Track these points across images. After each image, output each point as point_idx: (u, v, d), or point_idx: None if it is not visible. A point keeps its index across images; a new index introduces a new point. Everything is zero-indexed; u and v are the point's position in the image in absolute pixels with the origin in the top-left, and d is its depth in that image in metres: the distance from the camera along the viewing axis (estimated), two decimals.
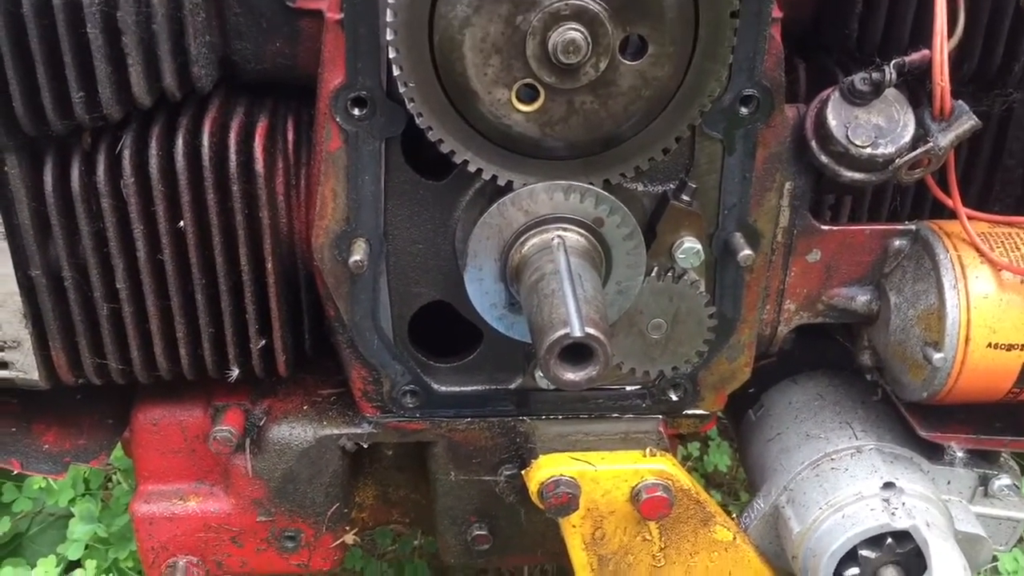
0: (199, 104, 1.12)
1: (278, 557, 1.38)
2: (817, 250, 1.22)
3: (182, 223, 1.12)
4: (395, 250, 1.17)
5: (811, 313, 1.27)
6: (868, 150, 1.10)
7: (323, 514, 1.35)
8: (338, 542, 1.39)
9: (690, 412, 1.32)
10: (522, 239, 1.10)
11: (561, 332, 0.96)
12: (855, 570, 1.20)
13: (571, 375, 0.98)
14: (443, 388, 1.27)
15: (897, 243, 1.21)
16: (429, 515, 1.44)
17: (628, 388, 1.29)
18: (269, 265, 1.17)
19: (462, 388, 1.28)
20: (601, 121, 1.03)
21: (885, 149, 1.10)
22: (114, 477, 1.88)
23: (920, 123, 1.12)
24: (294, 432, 1.31)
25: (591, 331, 0.95)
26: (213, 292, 1.18)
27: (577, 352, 0.97)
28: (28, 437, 1.32)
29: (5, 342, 1.17)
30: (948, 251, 1.15)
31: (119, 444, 1.46)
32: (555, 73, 0.97)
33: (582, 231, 1.10)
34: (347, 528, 1.40)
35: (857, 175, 1.12)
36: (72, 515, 1.66)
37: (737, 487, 2.21)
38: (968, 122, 1.10)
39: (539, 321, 1.00)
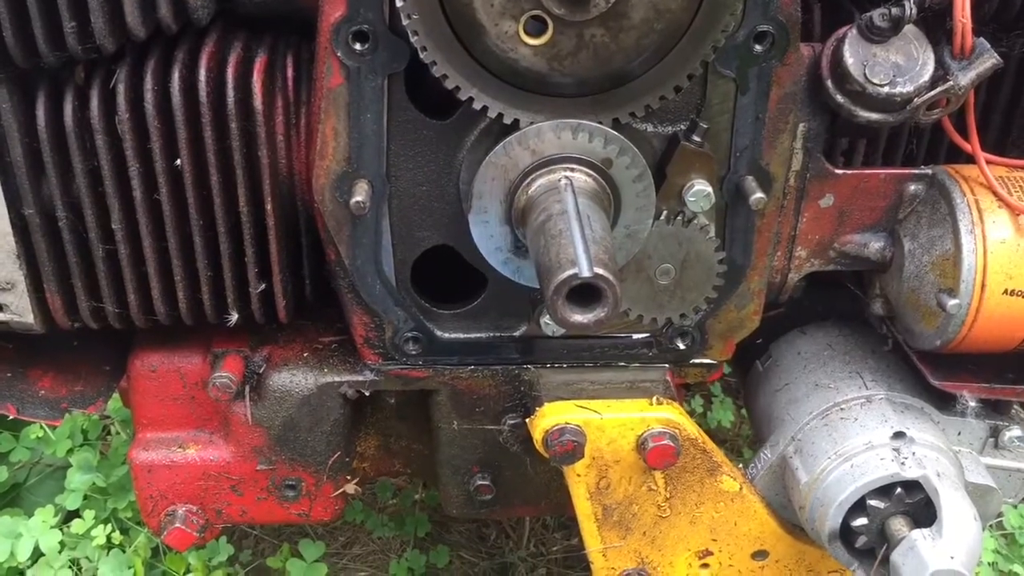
0: (196, 38, 1.09)
1: (278, 506, 1.37)
2: (830, 195, 1.19)
3: (179, 161, 1.09)
4: (398, 192, 1.14)
5: (822, 260, 1.24)
6: (886, 89, 1.07)
7: (324, 463, 1.34)
8: (339, 492, 1.38)
9: (697, 361, 1.29)
10: (528, 180, 1.07)
11: (569, 272, 0.93)
12: (863, 520, 1.18)
13: (579, 317, 0.96)
14: (446, 335, 1.25)
15: (912, 188, 1.18)
16: (431, 465, 1.42)
17: (635, 336, 1.27)
18: (268, 206, 1.14)
19: (466, 335, 1.26)
20: (611, 56, 1.00)
21: (903, 88, 1.07)
22: (112, 428, 1.86)
23: (939, 62, 1.08)
24: (295, 379, 1.28)
25: (600, 271, 0.93)
26: (211, 234, 1.15)
27: (585, 293, 0.95)
28: (24, 383, 1.30)
29: None
30: (965, 195, 1.12)
31: (117, 394, 1.44)
32: (564, 4, 0.94)
33: (590, 172, 1.07)
34: (348, 478, 1.38)
35: (874, 115, 1.09)
36: (70, 466, 1.65)
37: (740, 444, 2.19)
38: (989, 60, 1.07)
39: (546, 262, 0.97)
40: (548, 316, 1.20)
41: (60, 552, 1.58)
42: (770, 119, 1.11)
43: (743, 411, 2.17)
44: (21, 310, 1.17)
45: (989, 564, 1.73)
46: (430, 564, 1.84)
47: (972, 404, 1.21)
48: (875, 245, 1.21)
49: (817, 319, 1.39)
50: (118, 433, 1.76)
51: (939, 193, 1.15)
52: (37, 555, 1.58)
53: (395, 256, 1.19)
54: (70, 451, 1.67)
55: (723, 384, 2.26)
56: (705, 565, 1.33)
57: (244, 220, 1.14)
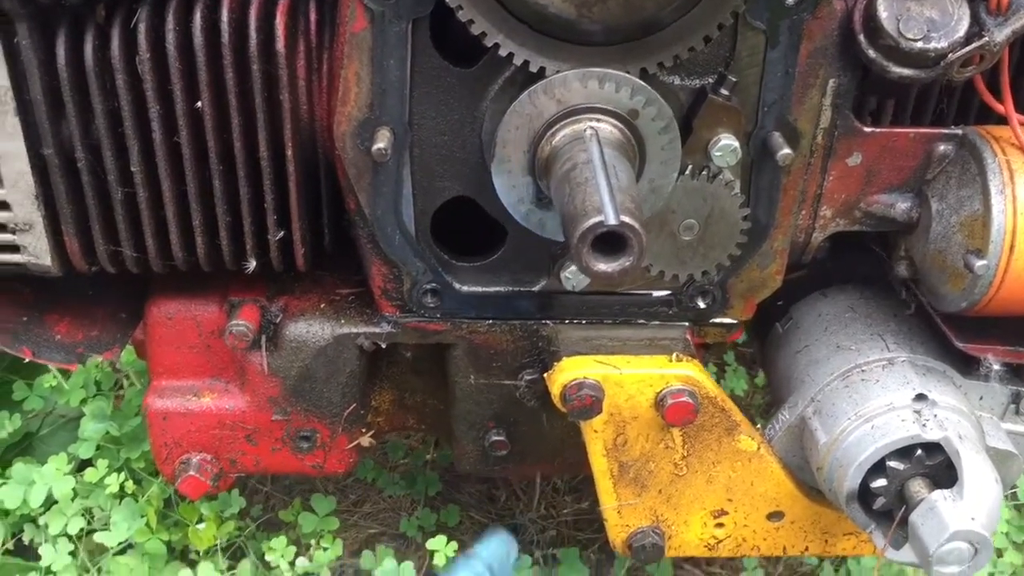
0: None
1: (293, 457, 1.37)
2: (858, 153, 1.17)
3: (199, 103, 1.08)
4: (420, 140, 1.13)
5: (848, 220, 1.22)
6: (919, 44, 1.04)
7: (339, 415, 1.33)
8: (353, 444, 1.37)
9: (717, 320, 1.28)
10: (553, 129, 1.05)
11: (595, 220, 0.92)
12: (882, 481, 1.17)
13: (604, 266, 0.95)
14: (465, 288, 1.24)
15: (942, 148, 1.16)
16: (446, 421, 1.42)
17: (655, 294, 1.26)
18: (289, 152, 1.13)
19: (484, 289, 1.25)
20: (641, 3, 0.98)
21: (937, 43, 1.05)
22: (125, 382, 1.86)
23: (975, 17, 1.06)
24: (311, 329, 1.28)
25: (626, 219, 0.91)
26: (231, 179, 1.14)
27: (610, 243, 0.94)
28: (40, 327, 1.29)
29: (17, 224, 1.14)
30: (996, 155, 1.10)
31: (131, 346, 1.43)
32: None
33: (616, 123, 1.06)
34: (363, 431, 1.38)
35: (906, 71, 1.07)
36: (83, 416, 1.65)
37: (753, 413, 2.18)
38: None
39: (571, 210, 0.96)
40: (569, 270, 1.19)
41: (73, 500, 1.58)
42: (800, 74, 1.10)
43: (756, 381, 2.17)
44: (39, 252, 1.16)
45: (1003, 534, 1.72)
46: (440, 523, 1.84)
47: (996, 368, 1.20)
48: (902, 206, 1.19)
49: (839, 282, 1.37)
50: (132, 384, 1.76)
51: (969, 153, 1.13)
52: (50, 502, 1.59)
53: (415, 206, 1.17)
54: (83, 401, 1.67)
55: (736, 353, 2.25)
56: (720, 525, 1.32)
57: (264, 165, 1.13)
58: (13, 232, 1.15)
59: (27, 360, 1.28)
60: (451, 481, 1.93)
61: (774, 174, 1.15)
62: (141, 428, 1.63)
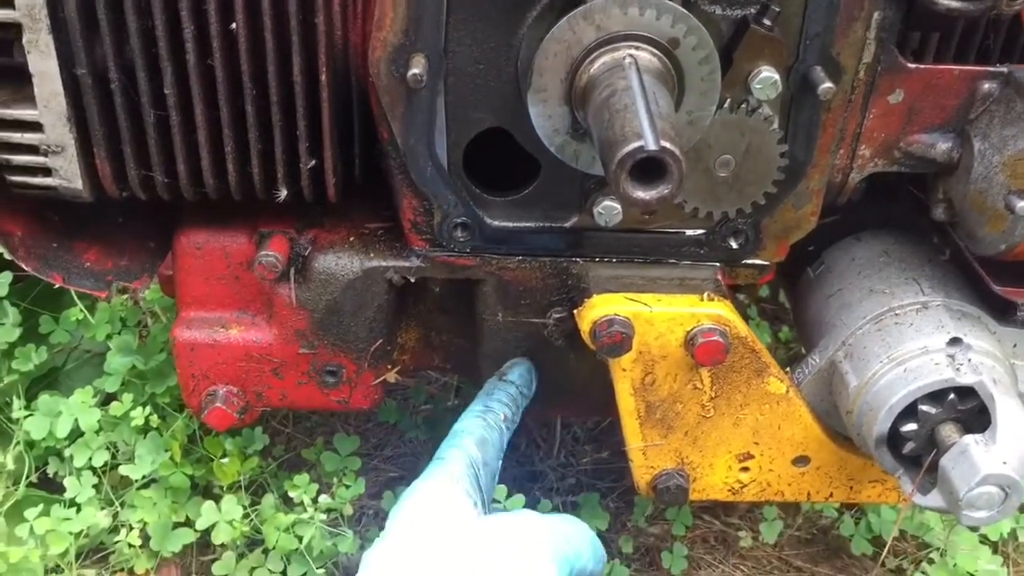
0: None
1: (318, 392, 1.37)
2: (900, 90, 1.15)
3: (234, 25, 1.07)
4: (455, 69, 1.11)
5: (887, 160, 1.20)
6: None
7: (366, 350, 1.33)
8: (379, 380, 1.37)
9: (749, 262, 1.27)
10: (592, 57, 1.04)
11: (635, 145, 0.91)
12: (913, 426, 1.16)
13: (642, 193, 0.94)
14: (496, 223, 1.23)
15: (986, 86, 1.13)
16: (472, 361, 1.41)
17: (687, 233, 1.25)
18: (323, 78, 1.11)
19: (516, 224, 1.23)
20: None
21: None
22: (150, 320, 1.86)
23: None
24: (340, 262, 1.27)
25: (666, 144, 0.90)
26: (264, 104, 1.13)
27: (649, 170, 0.93)
28: (69, 254, 1.29)
29: (49, 146, 1.13)
30: None
31: (157, 282, 1.43)
32: None
33: (656, 51, 1.04)
34: (388, 367, 1.38)
35: (954, 3, 1.04)
36: (108, 350, 1.65)
37: None
38: None
39: (610, 136, 0.95)
40: (601, 205, 1.18)
41: (98, 433, 1.59)
42: (844, 5, 1.07)
43: (780, 335, 2.15)
44: (70, 175, 1.15)
45: None
46: None
47: None
48: (943, 146, 1.17)
49: (872, 227, 1.36)
50: (157, 321, 1.76)
51: (1015, 92, 1.11)
52: (75, 435, 1.60)
53: (448, 137, 1.16)
54: (109, 336, 1.67)
55: (759, 308, 2.23)
56: (745, 469, 1.32)
57: (298, 90, 1.12)
58: (45, 155, 1.14)
59: (56, 287, 1.28)
60: None
61: (814, 110, 1.14)
62: (166, 364, 1.63)
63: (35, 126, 1.12)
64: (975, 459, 1.09)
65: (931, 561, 1.67)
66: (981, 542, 1.69)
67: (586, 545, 1.15)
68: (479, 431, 1.23)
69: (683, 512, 1.78)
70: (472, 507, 1.12)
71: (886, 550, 1.67)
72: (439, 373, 1.94)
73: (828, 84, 1.08)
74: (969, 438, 1.11)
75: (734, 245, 1.25)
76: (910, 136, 1.18)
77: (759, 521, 1.79)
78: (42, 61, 1.08)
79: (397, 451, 1.92)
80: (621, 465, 1.90)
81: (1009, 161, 1.11)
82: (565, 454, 1.95)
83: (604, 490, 1.86)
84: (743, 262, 1.27)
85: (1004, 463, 1.09)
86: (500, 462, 1.26)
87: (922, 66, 1.14)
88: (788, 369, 1.29)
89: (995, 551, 1.69)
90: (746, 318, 2.21)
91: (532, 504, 1.67)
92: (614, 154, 0.92)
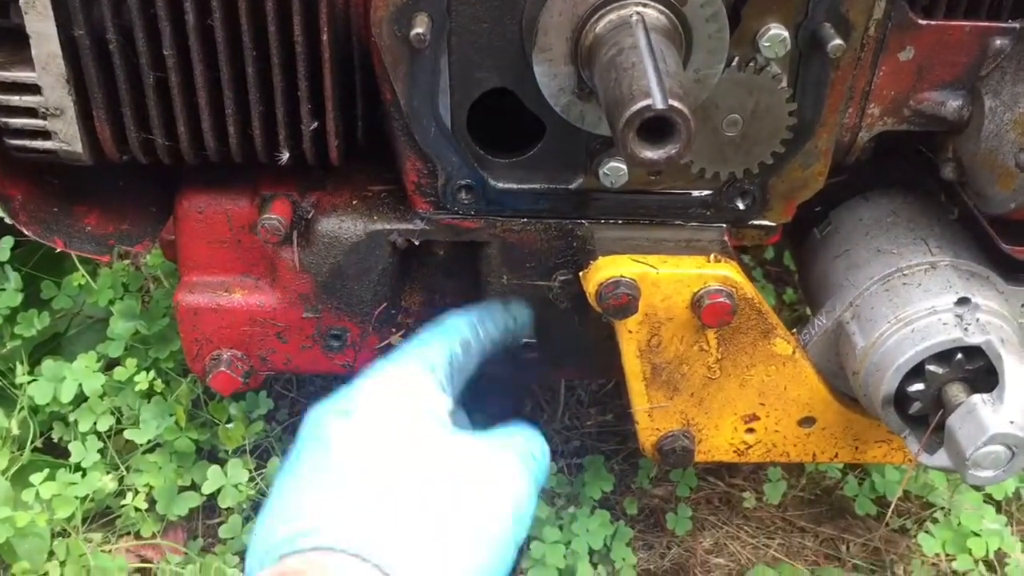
0: None
1: (323, 356, 1.36)
2: (911, 47, 1.13)
3: None
4: (458, 28, 1.10)
5: (896, 119, 1.19)
6: None
7: (370, 313, 1.32)
8: (384, 344, 1.36)
9: (756, 223, 1.26)
10: (598, 15, 1.02)
11: (643, 103, 0.89)
12: (920, 386, 1.16)
13: (650, 153, 0.92)
14: (500, 184, 1.22)
15: (998, 42, 1.12)
16: None
17: (693, 194, 1.23)
18: (324, 38, 1.10)
19: (520, 186, 1.22)
20: None
21: None
22: (152, 286, 1.86)
23: None
24: (343, 225, 1.26)
25: (674, 103, 0.89)
26: (264, 65, 1.11)
27: (657, 130, 0.91)
28: (71, 218, 1.28)
29: (48, 109, 1.11)
30: None
31: (159, 247, 1.42)
32: None
33: (663, 8, 1.02)
34: (393, 331, 1.37)
35: None
36: (111, 316, 1.65)
37: None
38: None
39: (617, 95, 0.93)
40: (607, 166, 1.17)
41: (102, 398, 1.59)
42: None
43: (785, 297, 2.15)
44: (70, 138, 1.14)
45: None
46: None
47: None
48: (953, 103, 1.16)
49: (880, 187, 1.35)
50: (161, 285, 1.75)
51: None
52: (79, 400, 1.60)
53: (452, 98, 1.14)
54: (111, 302, 1.66)
55: (764, 270, 2.23)
56: (751, 430, 1.32)
57: (299, 51, 1.10)
58: (44, 117, 1.12)
59: (58, 251, 1.27)
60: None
61: (823, 68, 1.12)
62: (170, 328, 1.63)
63: (33, 88, 1.10)
64: (982, 418, 1.09)
65: (935, 521, 1.68)
66: (985, 501, 1.70)
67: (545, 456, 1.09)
68: (467, 333, 1.17)
69: (687, 474, 1.78)
70: (445, 406, 1.05)
71: (891, 510, 1.68)
72: None
73: (838, 41, 1.06)
74: (976, 398, 1.11)
75: (741, 206, 1.24)
76: (920, 94, 1.17)
77: (763, 482, 1.79)
78: (39, 22, 1.06)
79: None
80: (625, 428, 1.90)
81: (1020, 118, 1.09)
82: (569, 416, 1.95)
83: (608, 453, 1.86)
84: (750, 223, 1.26)
85: (1011, 423, 1.08)
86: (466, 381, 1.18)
87: (933, 22, 1.12)
88: (794, 330, 1.29)
89: (999, 510, 1.70)
90: (751, 280, 2.21)
91: None
92: (621, 113, 0.91)
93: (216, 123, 1.15)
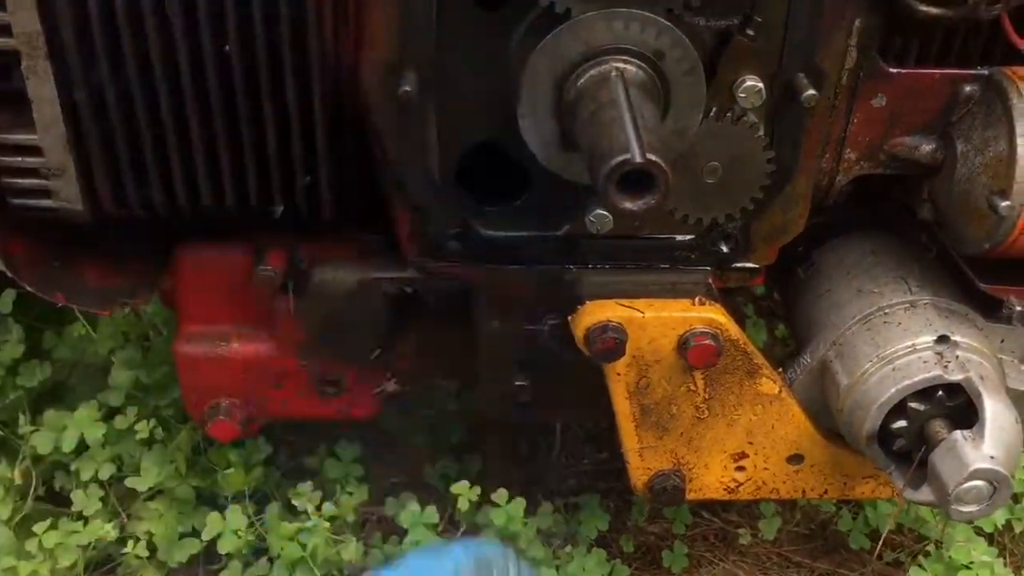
0: None
1: (319, 402, 1.39)
2: (883, 95, 1.17)
3: (227, 47, 1.09)
4: (446, 84, 1.14)
5: (872, 163, 1.23)
6: None
7: (365, 360, 1.35)
8: (379, 390, 1.39)
9: (740, 265, 1.29)
10: (579, 71, 1.06)
11: (622, 157, 0.93)
12: (903, 422, 1.19)
13: (630, 203, 0.96)
14: (489, 232, 1.25)
15: (968, 89, 1.16)
16: (469, 367, 1.43)
17: (677, 238, 1.27)
18: (316, 96, 1.14)
19: (509, 233, 1.26)
20: None
21: None
22: (151, 332, 1.88)
23: None
24: (337, 275, 1.29)
25: (652, 157, 0.93)
26: (258, 123, 1.15)
27: (636, 181, 0.95)
28: (71, 272, 1.31)
29: (49, 169, 1.15)
30: (1022, 96, 1.10)
31: (158, 296, 1.45)
32: None
33: (642, 64, 1.06)
34: (388, 376, 1.40)
35: (933, 9, 1.07)
36: (112, 364, 1.67)
37: (773, 364, 2.19)
38: None
39: (598, 149, 0.97)
40: (593, 213, 1.20)
41: (103, 447, 1.61)
42: (826, 14, 1.09)
43: (776, 332, 2.17)
44: (70, 196, 1.18)
45: (1023, 480, 1.74)
46: (463, 472, 1.86)
47: (1018, 310, 1.20)
48: (926, 148, 1.20)
49: (860, 227, 1.38)
50: (160, 333, 1.78)
51: (995, 94, 1.13)
52: (81, 448, 1.62)
53: (441, 150, 1.18)
54: (112, 350, 1.69)
55: (756, 305, 2.25)
56: (740, 468, 1.34)
57: (291, 109, 1.14)
58: (45, 177, 1.16)
59: (60, 305, 1.30)
60: (473, 430, 1.95)
61: (798, 116, 1.16)
62: (169, 376, 1.65)
63: (35, 150, 1.14)
64: (963, 455, 1.11)
65: (927, 554, 1.69)
66: (977, 533, 1.71)
67: None
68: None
69: (682, 511, 1.80)
70: None
71: (881, 543, 1.69)
72: (438, 379, 1.96)
73: (811, 91, 1.10)
74: (957, 434, 1.14)
75: (724, 249, 1.27)
76: (894, 139, 1.21)
77: (758, 518, 1.81)
78: (41, 87, 1.10)
79: (400, 457, 1.94)
80: (620, 465, 1.92)
81: (991, 162, 1.13)
82: (566, 455, 1.97)
83: (604, 490, 1.88)
84: (734, 265, 1.29)
85: (991, 458, 1.11)
86: None
87: (903, 71, 1.16)
88: (780, 369, 1.31)
89: (990, 542, 1.71)
90: (743, 316, 2.24)
91: (532, 509, 1.70)
92: (602, 166, 0.94)
93: (212, 179, 1.19)
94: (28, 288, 1.26)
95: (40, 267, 1.28)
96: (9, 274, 1.26)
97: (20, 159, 1.15)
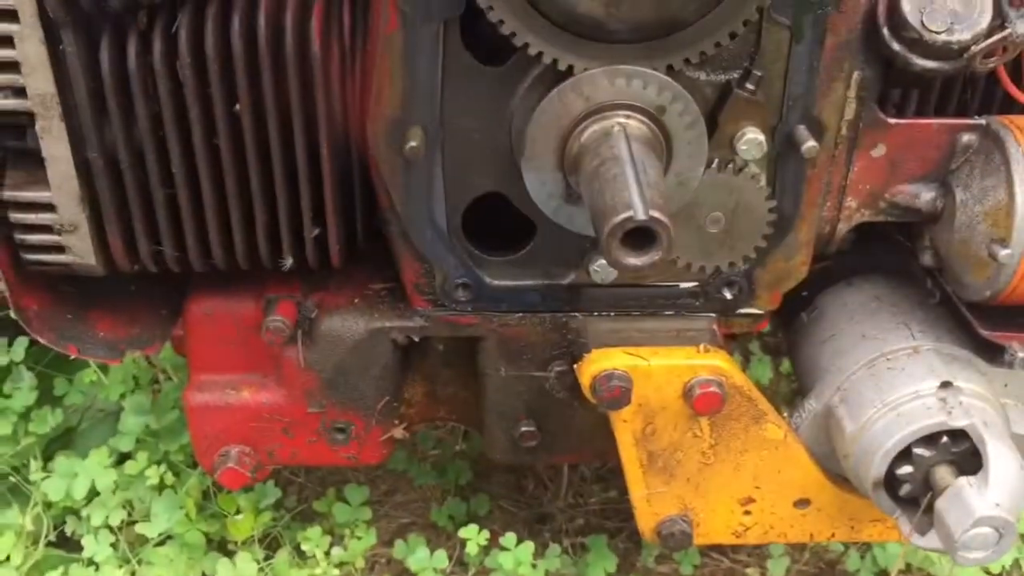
0: None
1: (328, 449, 1.40)
2: (882, 145, 1.19)
3: (237, 107, 1.11)
4: (451, 138, 1.16)
5: (873, 211, 1.24)
6: (943, 36, 1.06)
7: (373, 407, 1.36)
8: (387, 436, 1.40)
9: (744, 311, 1.30)
10: (582, 126, 1.08)
11: (625, 215, 0.94)
12: (908, 468, 1.19)
13: (633, 259, 0.97)
14: (496, 282, 1.27)
15: (966, 138, 1.17)
16: (477, 412, 1.44)
17: (682, 285, 1.28)
18: (324, 152, 1.16)
19: (515, 282, 1.27)
20: (667, 1, 1.00)
21: (960, 35, 1.06)
22: (161, 377, 1.90)
23: (998, 9, 1.07)
24: (346, 324, 1.31)
25: (655, 214, 0.94)
26: (268, 179, 1.17)
27: (639, 236, 0.96)
28: (84, 324, 1.33)
29: (63, 225, 1.17)
30: (1020, 145, 1.12)
31: (169, 342, 1.47)
32: None
33: (643, 119, 1.08)
34: (396, 423, 1.41)
35: (930, 63, 1.08)
36: (122, 410, 1.69)
37: (778, 402, 2.20)
38: None
39: (601, 206, 0.98)
40: (597, 263, 1.22)
41: (114, 492, 1.62)
42: (824, 67, 1.11)
43: (781, 368, 2.18)
44: (83, 252, 1.20)
45: None
46: (471, 512, 1.87)
47: (1021, 355, 1.21)
48: (926, 196, 1.21)
49: (863, 272, 1.39)
50: (169, 379, 1.80)
51: (993, 143, 1.15)
52: (92, 495, 1.63)
53: (447, 203, 1.20)
54: (122, 396, 1.71)
55: (761, 343, 2.26)
56: (747, 512, 1.35)
57: (300, 165, 1.16)
58: (59, 233, 1.18)
59: (72, 357, 1.32)
60: (481, 471, 1.96)
61: (799, 166, 1.17)
62: (179, 421, 1.67)
63: (49, 207, 1.16)
64: (968, 501, 1.12)
65: None
66: (985, 572, 1.71)
67: None
68: None
69: (691, 551, 1.80)
70: None
71: None
72: (445, 424, 1.97)
73: (811, 143, 1.12)
74: (962, 480, 1.14)
75: (728, 296, 1.28)
76: (894, 187, 1.22)
77: (767, 558, 1.81)
78: (55, 146, 1.12)
79: (407, 497, 1.95)
80: (628, 504, 1.93)
81: (990, 211, 1.14)
82: (573, 494, 1.97)
83: (612, 530, 1.88)
84: (738, 312, 1.31)
85: (997, 505, 1.11)
86: None
87: (902, 121, 1.18)
88: (785, 414, 1.32)
89: None
90: (748, 353, 2.25)
91: (540, 550, 1.71)
92: (605, 223, 0.96)
93: (223, 234, 1.21)
94: (41, 340, 1.28)
95: (53, 320, 1.30)
96: (23, 326, 1.28)
97: (34, 215, 1.17)
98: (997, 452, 1.14)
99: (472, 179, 1.19)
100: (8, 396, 1.69)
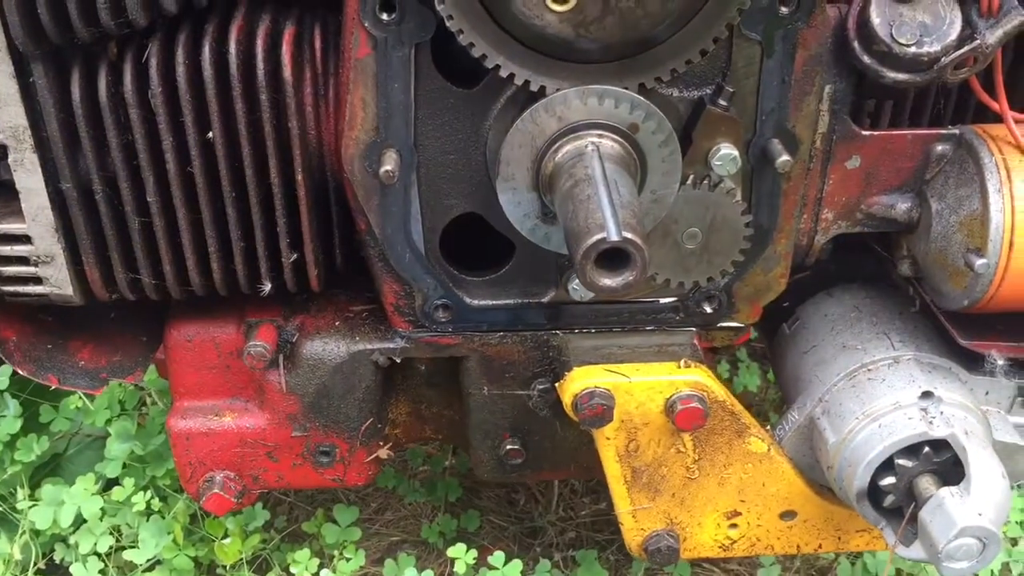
0: (225, 11, 1.10)
1: (313, 472, 1.40)
2: (857, 156, 1.19)
3: (211, 134, 1.11)
4: (426, 161, 1.16)
5: (849, 222, 1.24)
6: (913, 49, 1.06)
7: (357, 429, 1.36)
8: (372, 457, 1.40)
9: (724, 324, 1.30)
10: (555, 146, 1.08)
11: (598, 236, 0.94)
12: (891, 479, 1.19)
13: (608, 280, 0.97)
14: (475, 302, 1.27)
15: (940, 148, 1.17)
16: (462, 431, 1.44)
17: (662, 301, 1.28)
18: (299, 177, 1.16)
19: (494, 302, 1.27)
20: (637, 20, 1.00)
21: (930, 47, 1.07)
22: (148, 400, 1.90)
23: (967, 20, 1.08)
24: (327, 347, 1.31)
25: (628, 235, 0.94)
26: (243, 205, 1.17)
27: (614, 257, 0.96)
28: (64, 354, 1.33)
29: (39, 256, 1.17)
30: (993, 154, 1.12)
31: (153, 366, 1.47)
32: None
33: (617, 137, 1.08)
34: (381, 443, 1.41)
35: (901, 76, 1.09)
36: (108, 435, 1.68)
37: (767, 408, 2.20)
38: (1017, 18, 1.06)
39: (575, 227, 0.98)
40: (576, 281, 1.22)
41: (101, 519, 1.62)
42: (796, 82, 1.12)
43: (769, 376, 2.18)
44: (60, 282, 1.19)
45: (1018, 523, 1.74)
46: (461, 528, 1.87)
47: (1000, 363, 1.21)
48: (902, 206, 1.21)
49: (843, 282, 1.39)
50: (155, 403, 1.79)
51: (967, 153, 1.15)
52: (79, 522, 1.62)
53: (424, 224, 1.20)
54: (108, 421, 1.70)
55: (749, 349, 2.26)
56: (734, 526, 1.34)
57: (275, 191, 1.16)
58: (35, 264, 1.18)
59: (53, 388, 1.32)
60: (471, 487, 1.96)
61: (774, 180, 1.18)
62: (165, 446, 1.66)
63: (24, 239, 1.16)
64: (951, 512, 1.12)
65: None
66: None
67: None
68: None
69: (680, 564, 1.80)
70: None
71: None
72: (431, 443, 1.97)
73: (785, 157, 1.12)
74: (945, 491, 1.14)
75: (708, 310, 1.28)
76: (870, 198, 1.22)
77: (758, 567, 1.81)
78: (28, 178, 1.12)
79: (397, 514, 1.95)
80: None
81: (965, 220, 1.14)
82: (564, 508, 1.97)
83: (603, 543, 1.88)
84: (718, 325, 1.31)
85: (980, 515, 1.11)
86: None
87: (876, 132, 1.18)
88: (771, 424, 1.32)
89: None
90: (735, 361, 2.25)
91: (531, 564, 1.70)
92: (579, 245, 0.96)
93: (200, 261, 1.20)
94: (20, 372, 1.27)
95: (32, 351, 1.30)
96: (3, 358, 1.27)
97: (9, 248, 1.17)
98: (979, 462, 1.14)
99: (448, 200, 1.19)
100: None
